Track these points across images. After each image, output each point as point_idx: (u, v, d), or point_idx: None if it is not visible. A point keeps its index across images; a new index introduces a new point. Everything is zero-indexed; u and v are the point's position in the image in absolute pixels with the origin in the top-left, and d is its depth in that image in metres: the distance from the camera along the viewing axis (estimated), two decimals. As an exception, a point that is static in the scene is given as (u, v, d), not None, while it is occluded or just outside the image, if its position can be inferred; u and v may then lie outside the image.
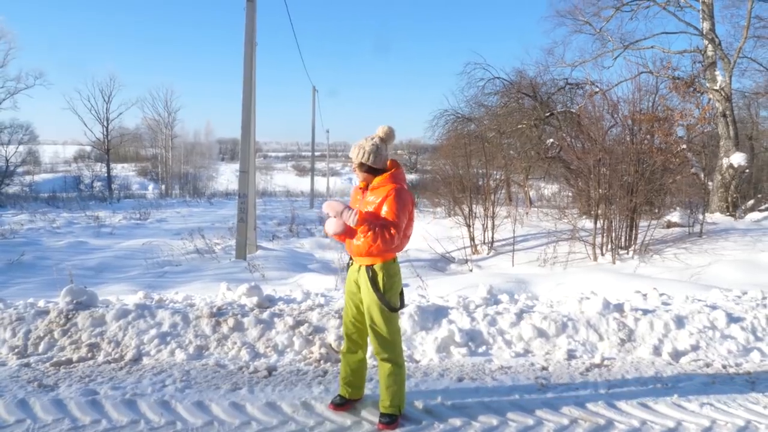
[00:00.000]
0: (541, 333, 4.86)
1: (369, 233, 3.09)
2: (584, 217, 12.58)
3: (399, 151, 72.84)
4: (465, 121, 22.84)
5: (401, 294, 3.38)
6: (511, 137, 17.08)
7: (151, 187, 52.40)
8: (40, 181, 46.36)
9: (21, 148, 41.76)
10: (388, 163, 3.34)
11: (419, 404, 3.62)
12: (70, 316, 4.66)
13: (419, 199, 25.71)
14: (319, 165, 73.52)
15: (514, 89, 17.71)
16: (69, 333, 4.54)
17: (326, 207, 3.19)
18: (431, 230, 15.17)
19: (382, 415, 3.33)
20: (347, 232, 3.21)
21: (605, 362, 4.50)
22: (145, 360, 4.32)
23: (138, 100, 56.38)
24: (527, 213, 15.30)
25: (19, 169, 42.44)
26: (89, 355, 4.34)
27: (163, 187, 49.99)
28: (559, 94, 17.83)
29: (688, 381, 4.16)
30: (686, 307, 5.40)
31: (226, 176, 63.66)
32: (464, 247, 13.00)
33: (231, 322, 4.65)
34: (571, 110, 16.51)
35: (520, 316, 5.05)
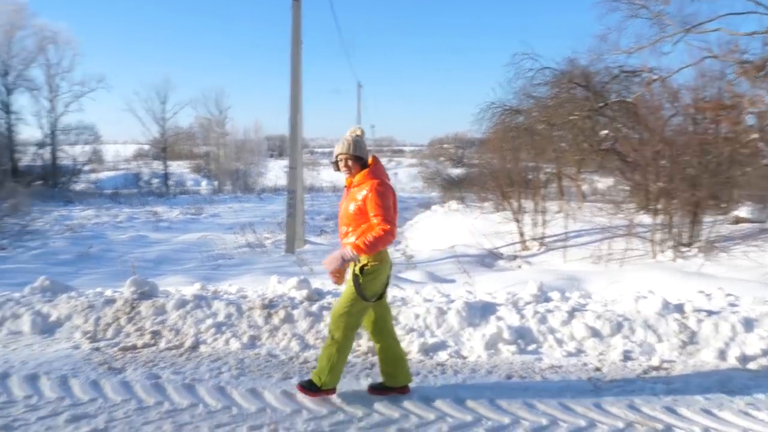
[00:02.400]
0: (595, 332, 4.76)
1: (369, 249, 3.26)
2: (642, 212, 12.18)
3: (445, 145, 72.36)
4: (513, 113, 22.46)
5: (385, 286, 3.56)
6: (562, 129, 16.66)
7: (204, 183, 53.96)
8: (103, 178, 48.50)
9: (86, 147, 43.86)
10: (370, 158, 3.50)
11: (467, 400, 3.63)
12: (134, 305, 4.92)
13: (467, 193, 25.54)
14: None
15: (565, 79, 17.26)
16: (134, 320, 4.78)
17: (326, 266, 3.46)
18: (478, 225, 15.05)
19: (308, 380, 3.56)
20: (347, 258, 3.38)
21: (664, 365, 4.35)
22: (203, 348, 4.50)
23: (191, 100, 58.25)
24: (580, 208, 14.94)
25: (85, 168, 44.65)
26: (152, 341, 4.56)
27: (216, 183, 51.40)
28: (614, 83, 17.23)
29: (757, 388, 3.91)
30: (756, 309, 5.13)
31: (275, 172, 64.81)
32: (513, 243, 12.83)
33: (282, 314, 4.78)
34: (627, 100, 15.97)
35: (572, 314, 4.96)
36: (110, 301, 5.01)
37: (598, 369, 4.28)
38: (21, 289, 5.73)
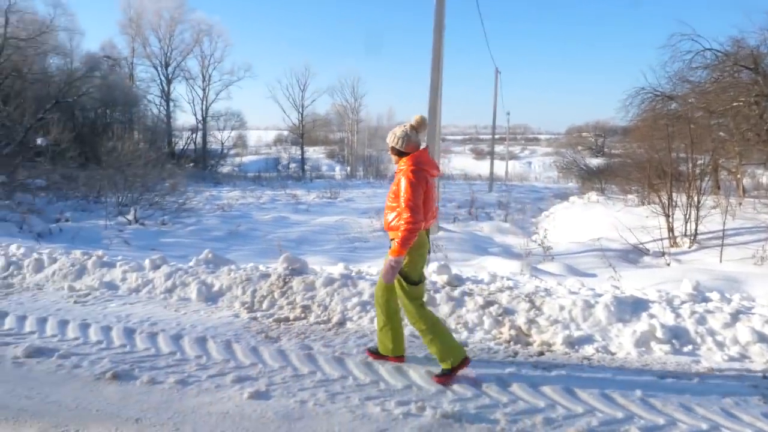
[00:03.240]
0: (762, 338, 4.31)
1: (403, 248, 3.49)
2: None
3: (584, 134, 68.64)
4: (665, 100, 20.77)
5: (423, 268, 3.74)
6: (722, 117, 15.09)
7: (337, 168, 56.30)
8: (247, 162, 52.46)
9: (233, 133, 47.62)
10: (420, 149, 3.70)
11: (617, 397, 3.48)
12: (286, 280, 5.29)
13: (608, 185, 24.13)
14: (498, 148, 72.34)
15: (730, 61, 15.57)
16: (286, 294, 5.15)
17: (388, 280, 3.61)
18: (622, 218, 14.17)
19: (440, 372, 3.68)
20: (395, 265, 3.57)
21: None
22: (349, 324, 4.74)
23: (328, 88, 60.77)
24: (740, 203, 13.51)
25: (231, 152, 48.58)
26: (302, 315, 4.89)
27: (349, 168, 53.32)
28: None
29: None
30: None
31: (405, 159, 65.94)
32: (661, 239, 11.93)
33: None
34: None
35: (735, 317, 4.54)
36: (265, 276, 5.43)
37: (765, 377, 3.89)
38: (183, 261, 6.43)
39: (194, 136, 45.06)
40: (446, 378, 3.62)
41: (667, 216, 11.66)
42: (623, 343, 4.35)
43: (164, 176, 16.41)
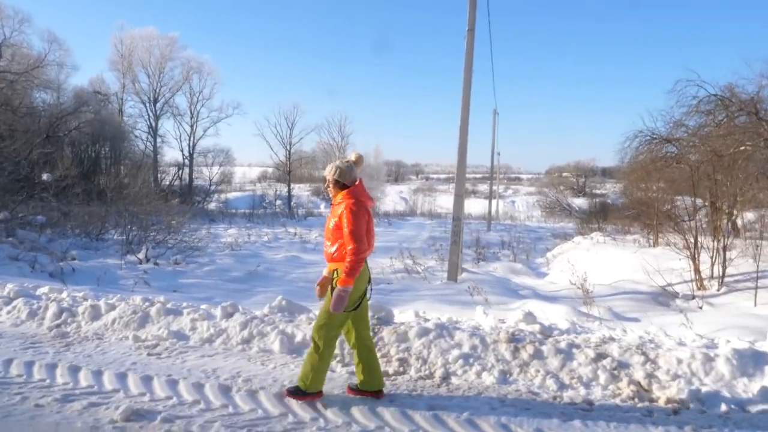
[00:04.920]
0: None
1: (350, 277, 3.64)
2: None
3: (565, 174, 69.92)
4: (662, 143, 21.27)
5: (362, 296, 3.88)
6: (732, 160, 15.36)
7: (323, 206, 55.98)
8: (232, 198, 51.87)
9: (221, 169, 47.19)
10: (356, 182, 3.90)
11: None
12: (376, 330, 4.97)
13: (606, 225, 24.33)
14: (481, 187, 73.08)
15: (734, 107, 16.00)
16: (377, 346, 4.83)
17: (336, 309, 3.70)
18: (639, 260, 14.16)
19: (294, 387, 3.95)
20: (344, 294, 3.69)
21: None
22: (454, 379, 4.44)
23: (316, 126, 60.84)
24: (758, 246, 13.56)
25: (217, 188, 48.01)
26: (401, 369, 4.57)
27: (334, 206, 53.04)
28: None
29: None
30: None
31: (391, 197, 66.03)
32: (684, 282, 11.89)
33: (530, 349, 4.62)
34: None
35: None
36: (351, 325, 5.11)
37: None
38: (208, 302, 6.00)
39: (180, 172, 44.55)
40: (295, 396, 3.88)
41: (694, 258, 11.64)
42: (753, 398, 4.14)
43: (170, 214, 15.91)
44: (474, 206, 51.33)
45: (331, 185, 3.95)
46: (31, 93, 28.85)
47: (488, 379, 4.39)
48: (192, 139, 46.03)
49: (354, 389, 4.06)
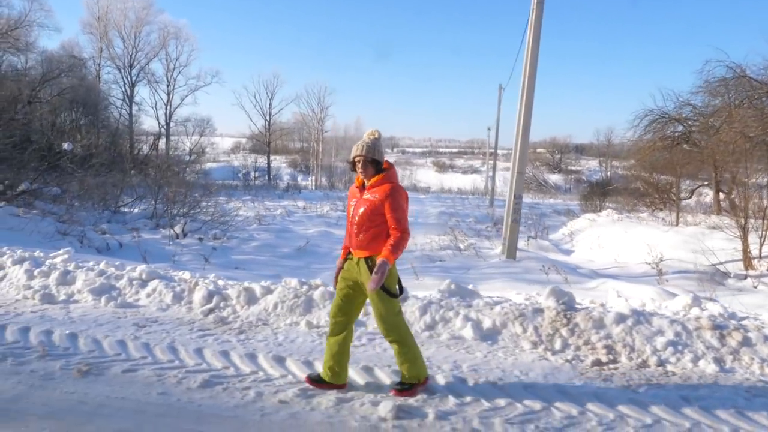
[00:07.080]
0: None
1: (395, 255, 3.43)
2: None
3: (539, 150, 70.76)
4: (671, 122, 21.68)
5: (399, 281, 3.66)
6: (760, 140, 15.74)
7: (299, 178, 55.17)
8: (207, 170, 50.47)
9: (202, 139, 45.74)
10: (384, 162, 3.61)
11: None
12: (569, 316, 4.82)
13: (603, 202, 24.78)
14: (458, 161, 73.22)
15: (763, 89, 16.34)
16: (576, 333, 4.68)
17: (375, 285, 3.39)
18: (673, 238, 14.42)
19: (399, 383, 3.68)
20: (386, 268, 3.41)
21: None
22: (669, 367, 4.34)
23: (296, 97, 59.48)
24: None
25: (194, 159, 46.53)
26: (612, 357, 4.44)
27: (312, 179, 52.36)
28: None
29: None
30: None
31: (369, 170, 65.56)
32: (729, 261, 12.17)
33: (737, 336, 4.55)
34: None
35: None
36: (538, 311, 4.93)
37: None
38: (277, 281, 5.63)
39: (157, 141, 42.99)
40: (407, 393, 3.62)
41: (743, 238, 11.89)
42: None
43: (202, 188, 15.28)
44: (457, 181, 51.53)
45: (367, 165, 3.53)
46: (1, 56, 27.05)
47: (708, 367, 4.31)
48: (169, 107, 44.55)
49: (316, 381, 3.70)
